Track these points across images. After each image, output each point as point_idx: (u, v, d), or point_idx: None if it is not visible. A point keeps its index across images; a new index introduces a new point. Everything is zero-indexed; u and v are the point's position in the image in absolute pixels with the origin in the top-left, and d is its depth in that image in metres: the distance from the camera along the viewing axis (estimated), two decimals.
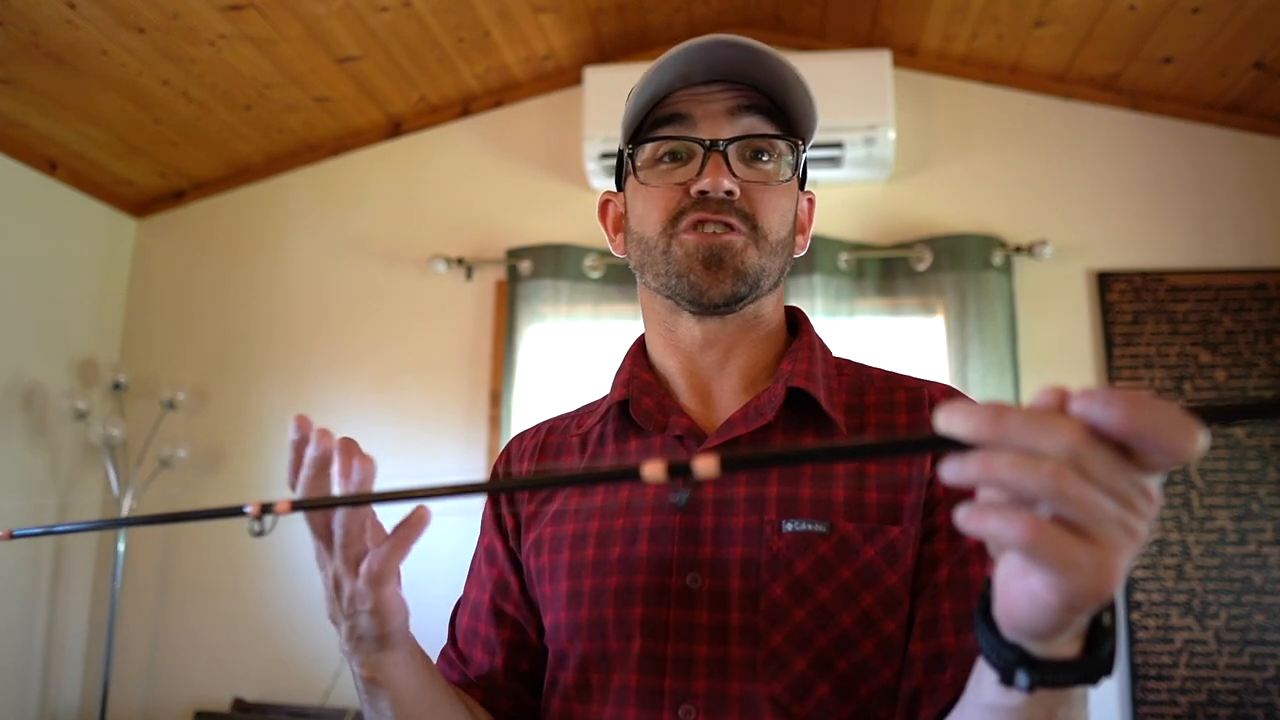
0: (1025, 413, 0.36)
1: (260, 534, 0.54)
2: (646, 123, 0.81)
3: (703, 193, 0.76)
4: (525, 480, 0.51)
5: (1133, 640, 2.34)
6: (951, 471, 0.38)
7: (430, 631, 0.90)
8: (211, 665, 2.67)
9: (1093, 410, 0.35)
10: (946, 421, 0.38)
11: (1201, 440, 0.34)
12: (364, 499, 0.53)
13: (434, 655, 0.91)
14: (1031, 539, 0.36)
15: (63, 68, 2.28)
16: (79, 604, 2.78)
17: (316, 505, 0.55)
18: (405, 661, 0.70)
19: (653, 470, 0.40)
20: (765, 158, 0.79)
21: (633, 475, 0.40)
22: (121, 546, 2.65)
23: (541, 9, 2.50)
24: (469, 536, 0.92)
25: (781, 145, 0.79)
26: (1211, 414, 0.35)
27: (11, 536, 0.63)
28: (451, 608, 0.92)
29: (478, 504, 0.89)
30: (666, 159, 0.80)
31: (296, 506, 0.52)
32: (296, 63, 2.46)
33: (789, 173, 0.79)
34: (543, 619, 0.81)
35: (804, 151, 0.81)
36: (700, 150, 0.78)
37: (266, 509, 0.52)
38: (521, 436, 0.92)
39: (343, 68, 2.54)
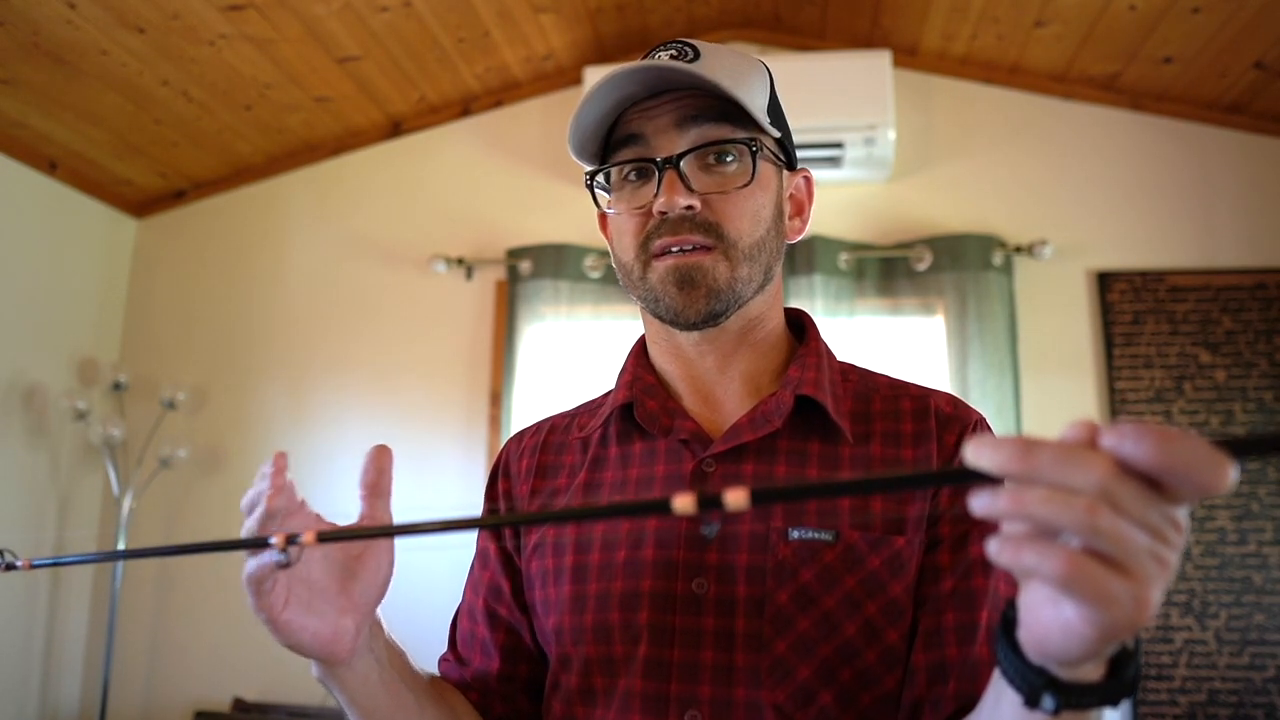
0: (1056, 447, 0.37)
1: (286, 565, 0.53)
2: (610, 144, 0.80)
3: (663, 213, 0.75)
4: (547, 514, 0.51)
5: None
6: (981, 505, 0.38)
7: (432, 648, 0.91)
8: (211, 665, 2.67)
9: (1124, 446, 0.36)
10: (975, 455, 0.38)
11: (1232, 475, 0.34)
12: (386, 532, 0.53)
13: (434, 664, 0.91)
14: (1069, 574, 0.37)
15: (63, 68, 2.28)
16: (79, 604, 2.78)
17: (341, 537, 0.54)
18: (360, 679, 0.70)
19: (683, 503, 0.40)
20: (729, 159, 0.76)
21: (663, 507, 0.40)
22: (121, 546, 2.64)
23: (541, 9, 2.50)
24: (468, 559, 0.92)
25: (741, 146, 0.76)
26: (1241, 447, 0.34)
27: (31, 566, 0.64)
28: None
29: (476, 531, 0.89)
30: (633, 177, 0.79)
31: (323, 538, 0.52)
32: (296, 63, 2.46)
33: (749, 173, 0.76)
34: (541, 622, 0.81)
35: (759, 148, 0.77)
36: (656, 169, 0.76)
37: (292, 540, 0.52)
38: (520, 435, 0.92)
39: (343, 68, 2.54)
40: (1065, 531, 0.37)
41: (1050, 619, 0.41)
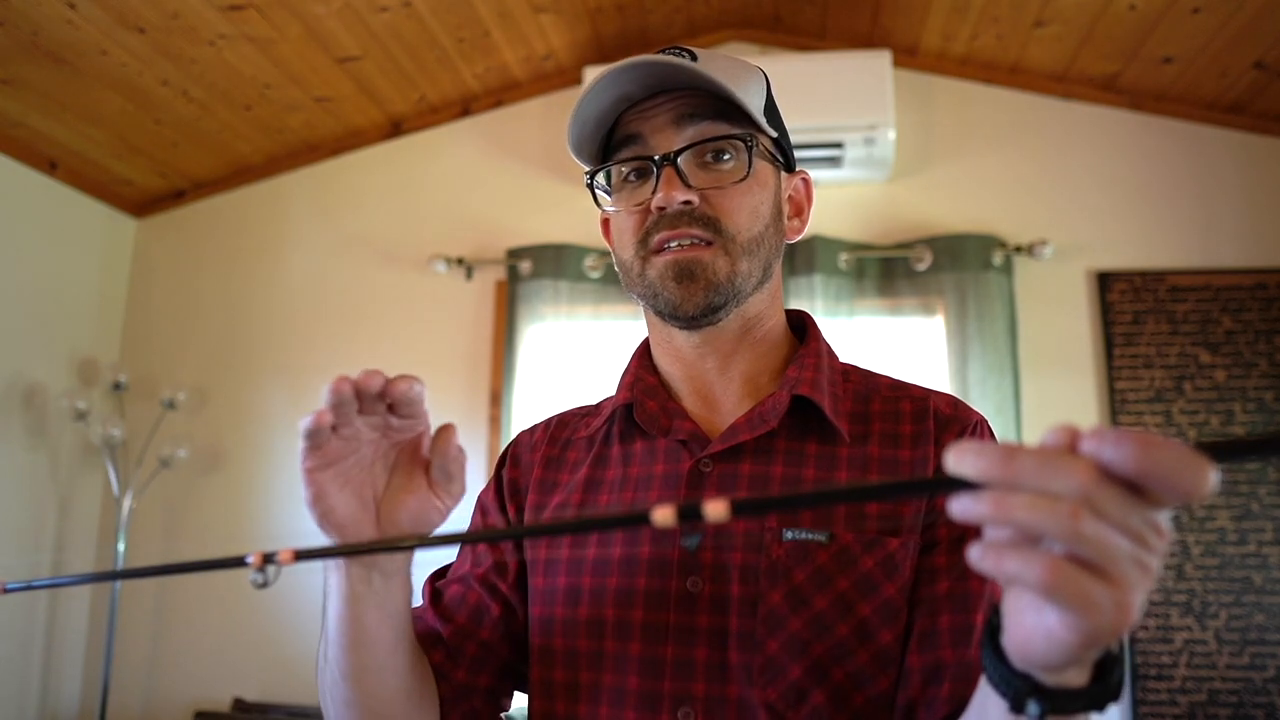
0: (1037, 453, 0.37)
1: (264, 585, 0.53)
2: (609, 146, 0.81)
3: (661, 209, 0.76)
4: (536, 527, 0.51)
5: (1133, 640, 2.34)
6: (961, 508, 0.38)
7: None
8: (211, 665, 2.67)
9: (1104, 451, 0.36)
10: (957, 462, 0.38)
11: (1213, 479, 0.34)
12: (366, 549, 0.51)
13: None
14: (1051, 580, 0.37)
15: (63, 68, 2.28)
16: (79, 604, 2.78)
17: (320, 555, 0.54)
18: (368, 595, 0.68)
19: (663, 515, 0.40)
20: (727, 157, 0.77)
21: (643, 520, 0.41)
22: (121, 546, 2.65)
23: (541, 9, 2.50)
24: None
25: (737, 142, 0.77)
26: (1222, 451, 0.34)
27: (4, 590, 0.63)
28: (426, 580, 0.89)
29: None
30: (632, 177, 0.80)
31: (300, 556, 0.52)
32: (296, 63, 2.46)
33: (746, 168, 0.77)
34: (529, 610, 0.81)
35: (755, 144, 0.78)
36: (654, 167, 0.77)
37: (269, 559, 0.52)
38: (532, 430, 0.92)
39: (343, 68, 2.54)
40: (1047, 537, 0.37)
41: (1033, 625, 0.41)
